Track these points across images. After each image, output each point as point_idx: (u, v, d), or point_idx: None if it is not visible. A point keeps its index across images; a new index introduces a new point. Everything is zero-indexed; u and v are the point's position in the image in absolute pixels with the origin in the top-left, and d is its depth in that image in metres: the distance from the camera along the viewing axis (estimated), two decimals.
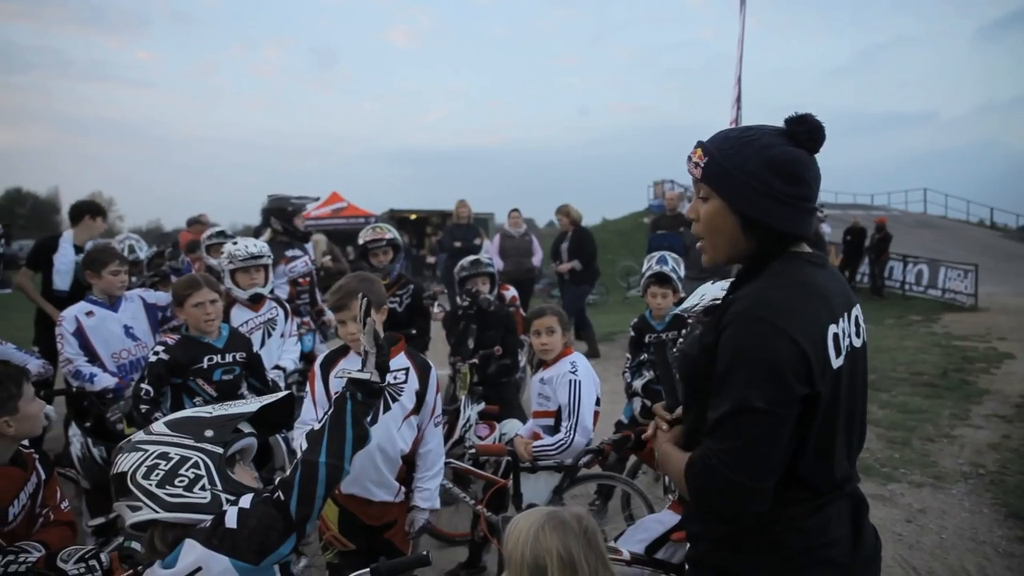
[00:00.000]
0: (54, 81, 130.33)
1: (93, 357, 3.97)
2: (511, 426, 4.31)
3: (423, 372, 2.96)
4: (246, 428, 1.68)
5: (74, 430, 3.97)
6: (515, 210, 10.19)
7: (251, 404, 1.69)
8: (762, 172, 1.47)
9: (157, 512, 1.52)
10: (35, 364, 4.12)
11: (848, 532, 1.56)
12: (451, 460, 3.95)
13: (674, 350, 2.33)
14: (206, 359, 3.55)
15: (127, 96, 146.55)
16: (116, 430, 3.87)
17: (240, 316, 4.43)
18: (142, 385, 3.47)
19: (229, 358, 3.62)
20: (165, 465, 1.54)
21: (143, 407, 3.39)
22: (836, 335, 1.48)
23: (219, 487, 1.56)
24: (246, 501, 1.53)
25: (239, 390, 3.67)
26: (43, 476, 2.44)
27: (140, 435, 1.61)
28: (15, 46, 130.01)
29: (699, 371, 1.55)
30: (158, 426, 1.62)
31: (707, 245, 1.61)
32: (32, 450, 2.48)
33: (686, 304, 2.88)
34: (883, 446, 6.02)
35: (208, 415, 1.65)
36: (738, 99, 11.99)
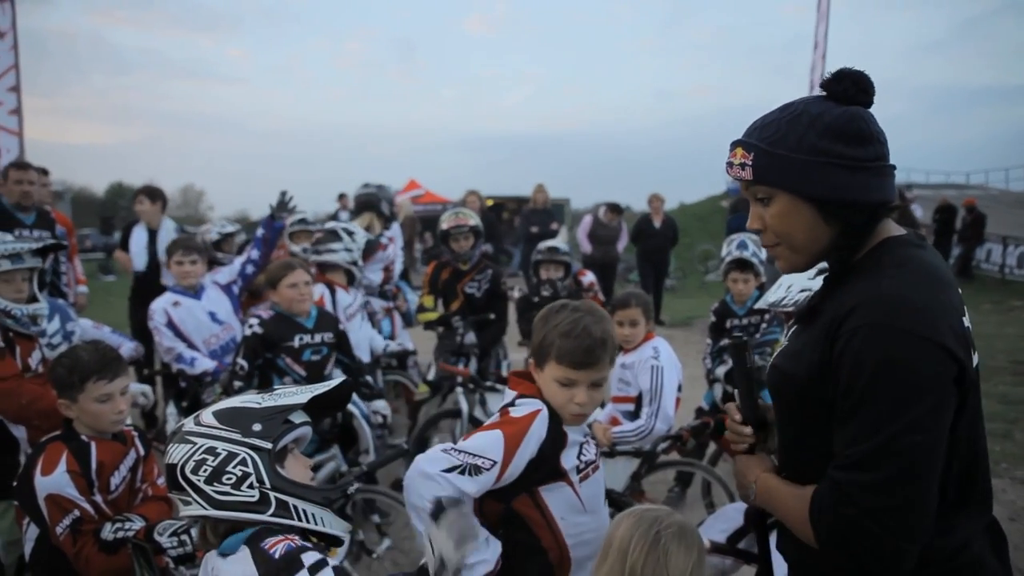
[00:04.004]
0: (154, 80, 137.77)
1: (188, 345, 4.16)
2: None
3: None
4: (298, 418, 1.63)
5: (171, 409, 4.18)
6: (613, 210, 10.07)
7: (301, 394, 1.64)
8: (824, 142, 1.27)
9: (206, 509, 1.51)
10: (128, 347, 4.36)
11: (998, 566, 1.35)
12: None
13: (754, 357, 1.95)
14: (297, 338, 3.65)
15: (220, 92, 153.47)
16: None
17: (346, 299, 4.58)
18: (238, 360, 3.61)
19: (318, 338, 3.73)
20: (212, 461, 1.51)
21: (236, 383, 3.54)
22: (968, 328, 1.30)
23: (267, 484, 1.52)
24: None
25: (326, 370, 3.77)
26: (142, 452, 2.58)
27: (190, 424, 1.57)
28: (121, 48, 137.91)
29: (802, 393, 1.35)
30: (207, 416, 1.58)
31: (782, 251, 1.39)
32: (132, 426, 2.61)
33: (771, 298, 2.72)
34: None
35: (257, 406, 1.59)
36: (822, 76, 11.53)
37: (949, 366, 1.21)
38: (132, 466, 2.51)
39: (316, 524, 1.57)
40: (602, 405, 4.36)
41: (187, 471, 1.50)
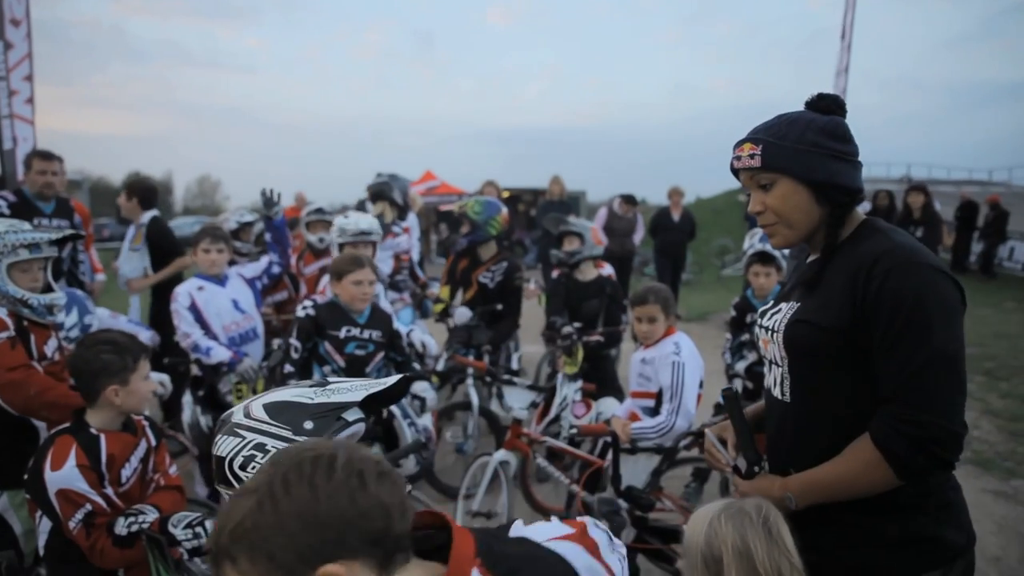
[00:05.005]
0: (172, 71, 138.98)
1: (206, 330, 4.13)
2: (608, 405, 4.25)
3: None
4: (352, 415, 1.56)
5: (187, 397, 4.16)
6: (628, 201, 9.96)
7: (356, 391, 1.57)
8: (820, 138, 1.59)
9: None
10: (145, 336, 4.36)
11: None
12: (547, 438, 3.94)
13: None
14: (344, 329, 3.64)
15: (238, 82, 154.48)
16: (226, 401, 4.04)
17: None
18: (291, 341, 3.62)
19: (366, 334, 3.70)
20: (262, 458, 1.44)
21: (288, 366, 3.56)
22: None
23: None
24: None
25: (368, 367, 3.73)
26: (153, 443, 2.56)
27: (239, 416, 1.51)
28: (140, 38, 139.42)
29: (830, 340, 1.56)
30: (257, 409, 1.51)
31: (780, 228, 1.67)
32: (142, 416, 2.60)
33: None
34: (1004, 439, 5.62)
35: (309, 401, 1.53)
36: (846, 68, 11.40)
37: (958, 293, 1.53)
38: (143, 457, 2.49)
39: None
40: (620, 399, 4.33)
41: (235, 466, 1.44)
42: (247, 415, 1.50)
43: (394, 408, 3.84)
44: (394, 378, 1.64)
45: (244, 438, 1.46)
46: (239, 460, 1.44)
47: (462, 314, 5.10)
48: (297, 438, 1.46)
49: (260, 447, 1.45)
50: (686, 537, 1.51)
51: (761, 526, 1.46)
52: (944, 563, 1.56)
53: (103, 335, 2.46)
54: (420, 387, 3.87)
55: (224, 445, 1.46)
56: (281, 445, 1.44)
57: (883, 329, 1.48)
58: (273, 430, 1.47)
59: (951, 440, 1.45)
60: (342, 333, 3.63)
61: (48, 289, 2.89)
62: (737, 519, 1.46)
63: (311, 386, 1.56)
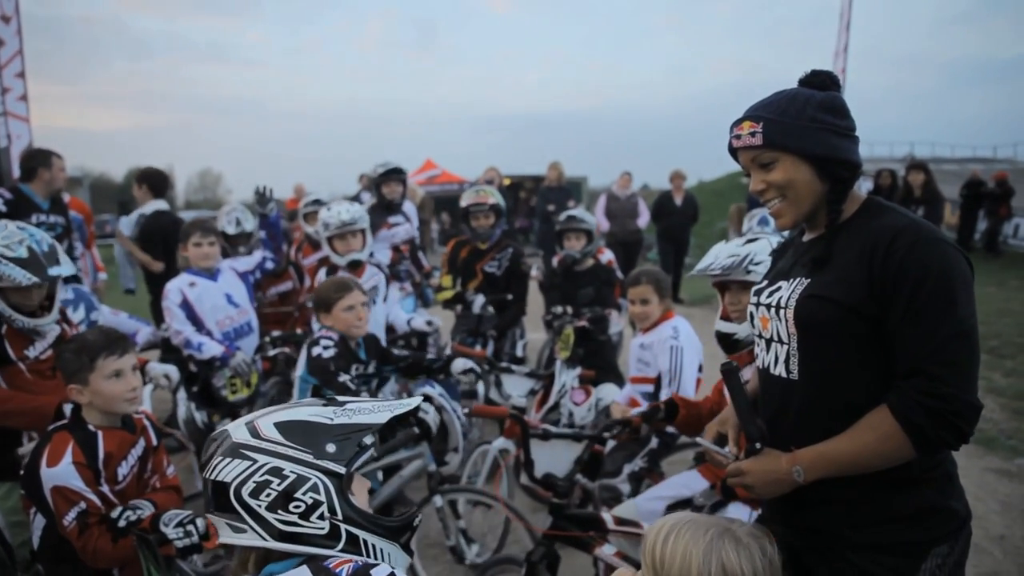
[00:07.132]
0: (175, 65, 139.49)
1: (199, 326, 4.12)
2: (607, 391, 4.24)
3: None
4: (368, 439, 1.40)
5: (181, 394, 4.15)
6: (626, 173, 10.10)
7: (379, 413, 1.42)
8: (819, 114, 1.58)
9: (266, 540, 1.28)
10: (146, 332, 4.34)
11: None
12: (546, 426, 3.92)
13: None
14: (353, 368, 3.42)
15: (240, 75, 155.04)
16: (221, 396, 4.03)
17: None
18: (307, 378, 3.33)
19: (372, 368, 3.52)
20: (278, 484, 1.27)
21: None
22: None
23: (340, 516, 1.30)
24: None
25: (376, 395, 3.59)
26: (154, 442, 2.53)
27: (245, 436, 1.32)
28: (143, 34, 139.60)
29: (846, 315, 1.54)
30: (268, 428, 1.33)
31: (785, 207, 1.65)
32: (143, 415, 2.56)
33: (701, 265, 2.54)
34: (1008, 417, 5.59)
35: (329, 421, 1.36)
36: (845, 48, 11.28)
37: (970, 270, 1.54)
38: (141, 456, 2.46)
39: (382, 560, 1.37)
40: (620, 385, 4.32)
41: (244, 493, 1.27)
42: (255, 435, 1.32)
43: (444, 402, 3.73)
44: (416, 399, 1.52)
45: (255, 461, 1.28)
46: (249, 486, 1.27)
47: (479, 302, 5.09)
48: (319, 462, 1.30)
49: (276, 472, 1.28)
50: (675, 564, 1.35)
51: (768, 565, 1.37)
52: (951, 535, 1.57)
53: (79, 334, 2.43)
54: (460, 364, 3.63)
55: (228, 469, 1.28)
56: (301, 470, 1.29)
57: (905, 302, 1.48)
58: (291, 452, 1.30)
59: (972, 413, 1.46)
60: (352, 373, 3.41)
61: (50, 301, 2.80)
62: (747, 552, 1.36)
63: (324, 405, 1.41)
